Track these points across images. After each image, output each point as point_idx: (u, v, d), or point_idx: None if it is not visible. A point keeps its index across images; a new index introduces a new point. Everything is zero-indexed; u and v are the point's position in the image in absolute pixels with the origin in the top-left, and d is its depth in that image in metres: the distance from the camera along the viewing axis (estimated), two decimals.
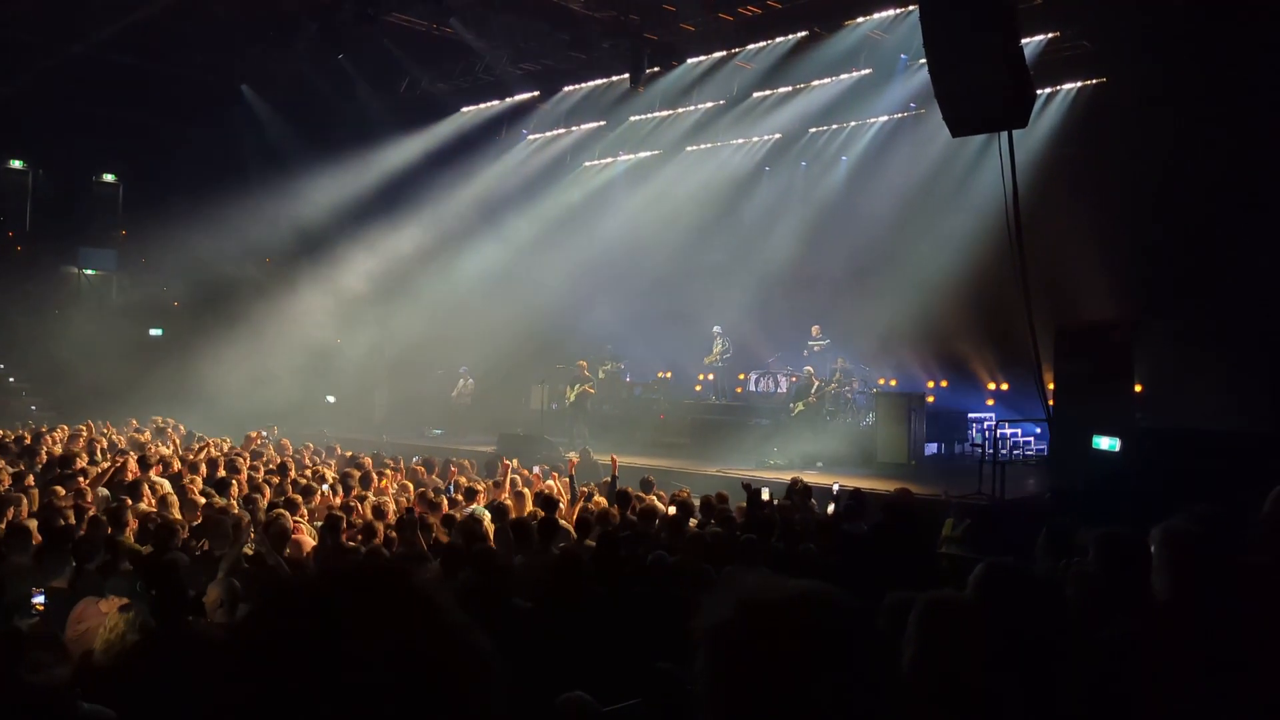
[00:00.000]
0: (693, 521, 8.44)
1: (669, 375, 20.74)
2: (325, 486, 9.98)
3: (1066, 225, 14.89)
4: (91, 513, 7.81)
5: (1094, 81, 16.52)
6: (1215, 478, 8.17)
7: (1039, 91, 16.03)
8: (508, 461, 11.85)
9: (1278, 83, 13.38)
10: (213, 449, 12.33)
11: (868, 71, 17.68)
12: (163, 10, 17.21)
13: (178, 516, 7.80)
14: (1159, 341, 13.67)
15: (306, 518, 8.39)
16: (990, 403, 18.42)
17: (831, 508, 10.18)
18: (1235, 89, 13.82)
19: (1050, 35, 15.50)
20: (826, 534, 8.31)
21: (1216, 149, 13.98)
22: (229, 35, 18.97)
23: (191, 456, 11.55)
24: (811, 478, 12.23)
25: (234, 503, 8.60)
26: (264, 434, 14.80)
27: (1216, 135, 14.01)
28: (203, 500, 8.53)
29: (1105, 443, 10.91)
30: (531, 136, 23.05)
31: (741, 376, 20.74)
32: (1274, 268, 13.51)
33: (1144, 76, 15.01)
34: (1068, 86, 16.85)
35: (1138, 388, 13.46)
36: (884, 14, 16.18)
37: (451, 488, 10.84)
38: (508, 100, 21.69)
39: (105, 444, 12.90)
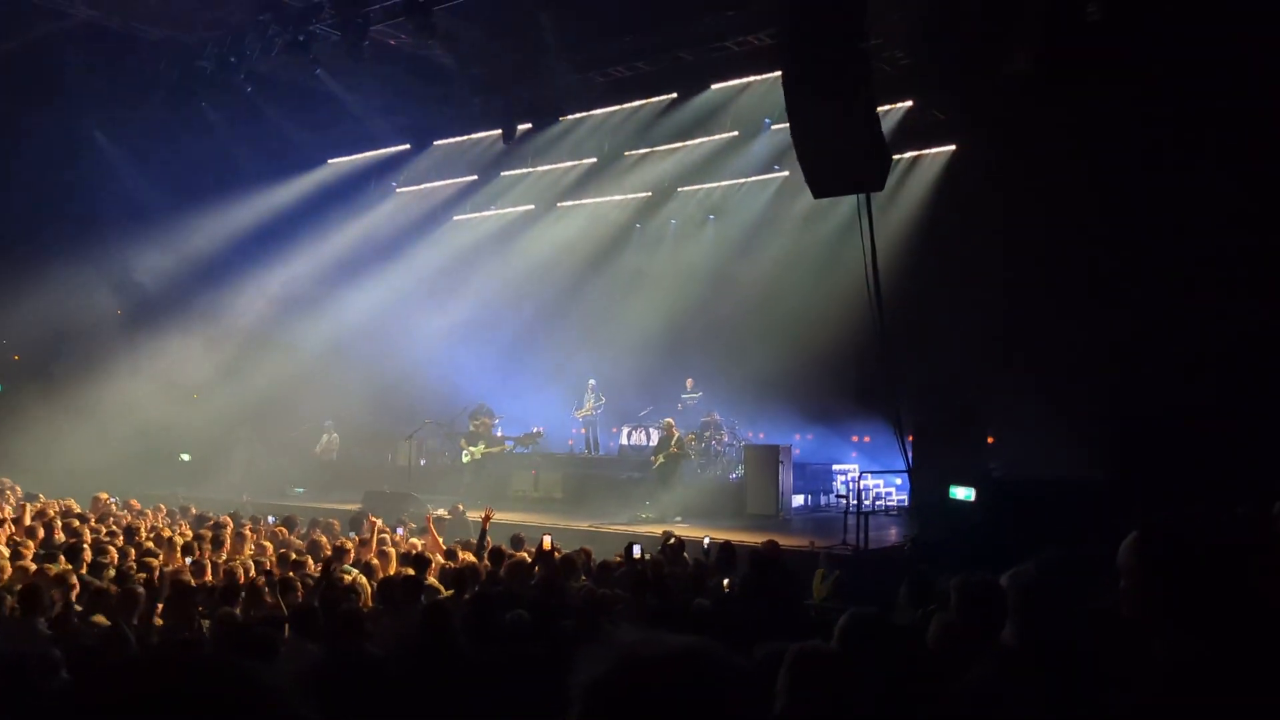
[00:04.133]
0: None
1: (542, 430, 20.63)
2: (178, 552, 9.46)
3: (926, 283, 15.59)
4: None
5: (947, 149, 17.39)
6: (1064, 523, 8.59)
7: (906, 155, 16.87)
8: (374, 519, 11.49)
9: (1118, 152, 14.30)
10: (51, 510, 11.56)
11: (734, 134, 18.22)
12: (8, 54, 16.43)
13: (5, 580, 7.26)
14: (1009, 393, 14.32)
15: (156, 582, 7.93)
16: (854, 455, 18.90)
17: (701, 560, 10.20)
18: (1077, 158, 14.70)
19: (909, 104, 16.30)
20: (699, 587, 8.32)
21: (1055, 216, 14.85)
22: (81, 80, 18.18)
23: (28, 520, 10.80)
24: (683, 530, 12.26)
25: (83, 568, 8.05)
26: (113, 498, 13.99)
27: (1055, 203, 14.88)
28: (34, 566, 7.94)
29: (961, 492, 11.34)
30: (401, 189, 22.79)
31: (615, 430, 20.77)
32: (1108, 319, 14.36)
33: (988, 146, 15.92)
34: (930, 152, 17.68)
35: (989, 439, 14.07)
36: (749, 79, 16.78)
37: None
38: (378, 152, 21.45)
39: None
